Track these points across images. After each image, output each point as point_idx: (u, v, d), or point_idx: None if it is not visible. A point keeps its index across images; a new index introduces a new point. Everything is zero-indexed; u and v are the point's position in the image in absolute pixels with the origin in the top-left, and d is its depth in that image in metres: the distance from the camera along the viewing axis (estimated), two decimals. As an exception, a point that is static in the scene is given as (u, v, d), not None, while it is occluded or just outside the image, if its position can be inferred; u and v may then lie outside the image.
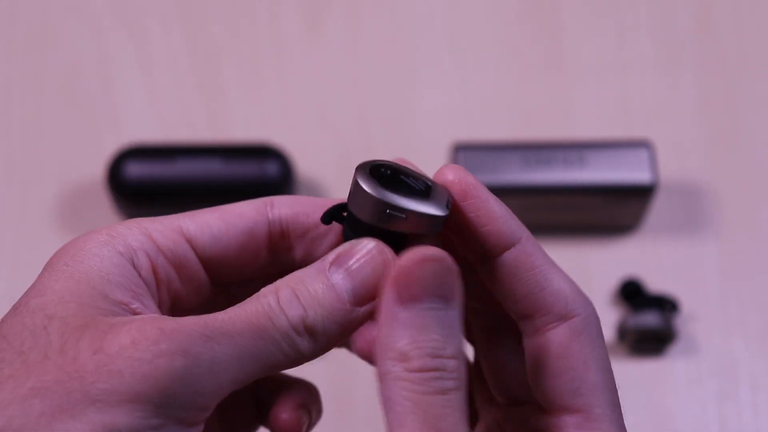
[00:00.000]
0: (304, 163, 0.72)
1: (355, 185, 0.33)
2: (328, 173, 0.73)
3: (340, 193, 0.73)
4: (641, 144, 0.67)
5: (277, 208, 0.37)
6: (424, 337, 0.31)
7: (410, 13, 0.79)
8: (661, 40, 0.77)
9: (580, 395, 0.34)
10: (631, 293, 0.67)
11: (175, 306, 0.36)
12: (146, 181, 0.68)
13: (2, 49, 0.78)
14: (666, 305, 0.66)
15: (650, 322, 0.65)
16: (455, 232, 0.35)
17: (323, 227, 0.37)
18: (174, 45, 0.78)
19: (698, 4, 0.78)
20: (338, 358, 0.66)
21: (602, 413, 0.34)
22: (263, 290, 0.32)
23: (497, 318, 0.38)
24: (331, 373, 0.66)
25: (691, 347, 0.67)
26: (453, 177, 0.35)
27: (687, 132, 0.74)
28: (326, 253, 0.35)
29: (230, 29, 0.79)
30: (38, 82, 0.77)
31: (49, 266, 0.33)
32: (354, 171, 0.34)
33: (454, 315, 0.32)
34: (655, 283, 0.68)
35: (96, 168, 0.71)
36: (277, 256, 0.37)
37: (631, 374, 0.66)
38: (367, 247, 0.33)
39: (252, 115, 0.75)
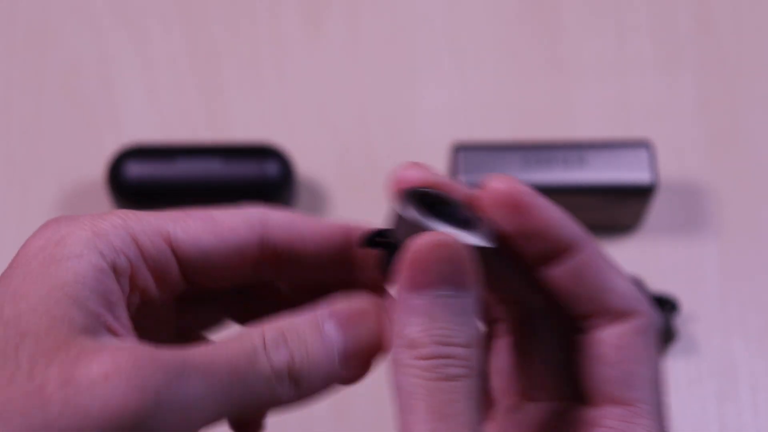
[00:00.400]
0: (304, 163, 0.72)
1: (402, 213, 0.33)
2: (328, 173, 0.73)
3: (340, 193, 0.73)
4: (641, 144, 0.67)
5: (272, 229, 0.35)
6: (434, 325, 0.31)
7: (410, 13, 0.79)
8: (661, 40, 0.77)
9: (632, 388, 0.34)
10: (631, 293, 0.67)
11: (144, 305, 0.35)
12: (146, 181, 0.68)
13: (2, 49, 0.78)
14: (666, 305, 0.66)
15: (650, 322, 0.65)
16: (511, 240, 0.35)
17: (316, 256, 0.35)
18: (174, 45, 0.78)
19: (698, 4, 0.78)
20: (338, 358, 0.66)
21: (649, 410, 0.34)
22: (249, 330, 0.31)
23: (535, 311, 0.37)
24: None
25: (691, 347, 0.67)
26: (505, 187, 0.34)
27: (687, 132, 0.74)
28: (315, 286, 0.35)
29: (230, 29, 0.79)
30: (38, 82, 0.77)
31: (25, 260, 0.31)
32: (397, 197, 0.33)
33: (467, 302, 0.32)
34: (655, 283, 0.68)
35: (96, 168, 0.71)
36: (261, 272, 0.36)
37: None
38: (364, 307, 0.33)
39: (252, 115, 0.75)
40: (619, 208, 0.68)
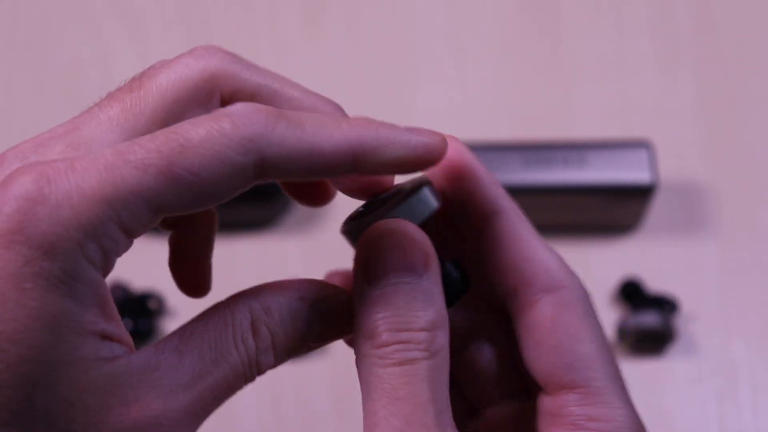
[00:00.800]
0: (304, 163, 0.72)
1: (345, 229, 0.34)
2: (328, 173, 0.73)
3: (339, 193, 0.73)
4: (641, 144, 0.67)
5: (267, 170, 0.30)
6: (389, 313, 0.31)
7: (410, 12, 0.79)
8: (661, 40, 0.77)
9: (575, 369, 0.33)
10: (631, 293, 0.67)
11: None
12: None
13: (3, 50, 0.78)
14: (665, 305, 0.66)
15: (650, 322, 0.65)
16: (450, 206, 0.35)
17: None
18: (174, 45, 0.78)
19: (698, 3, 0.78)
20: (338, 357, 0.66)
21: (601, 386, 0.33)
22: (240, 319, 0.31)
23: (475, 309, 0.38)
24: (332, 373, 0.66)
25: (691, 347, 0.67)
26: (453, 153, 0.35)
27: (687, 132, 0.74)
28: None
29: (230, 29, 0.79)
30: (39, 82, 0.77)
31: (17, 288, 0.28)
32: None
33: (425, 286, 0.32)
34: (655, 283, 0.68)
35: (96, 168, 0.71)
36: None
37: (631, 374, 0.66)
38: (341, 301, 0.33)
39: (252, 115, 0.75)
40: (619, 208, 0.68)
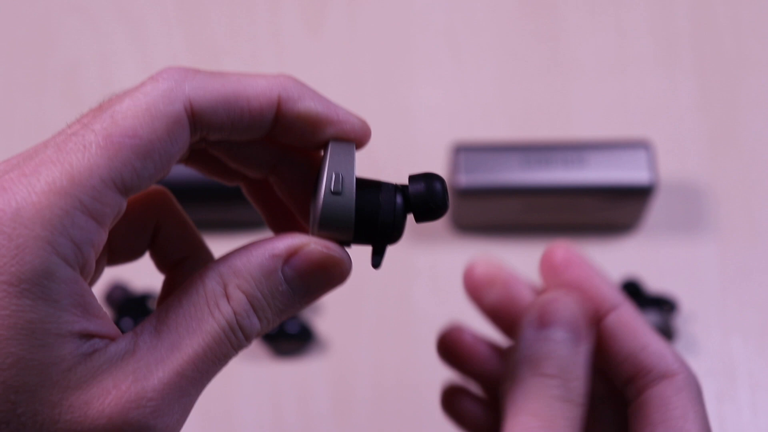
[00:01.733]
0: (304, 163, 0.72)
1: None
2: (328, 173, 0.73)
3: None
4: (640, 144, 0.67)
5: (200, 114, 0.31)
6: (557, 356, 0.37)
7: (410, 12, 0.79)
8: (661, 39, 0.77)
9: None
10: (630, 293, 0.67)
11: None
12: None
13: (3, 50, 0.78)
14: (665, 305, 0.66)
15: (649, 322, 0.65)
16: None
17: (250, 133, 0.34)
18: (174, 45, 0.78)
19: (698, 3, 0.78)
20: (338, 357, 0.67)
21: None
22: (211, 287, 0.31)
23: (599, 390, 0.41)
24: (332, 373, 0.66)
25: (691, 347, 0.67)
26: (561, 253, 0.41)
27: (687, 132, 0.74)
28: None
29: (230, 29, 0.79)
30: (39, 82, 0.77)
31: None
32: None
33: (585, 349, 0.38)
34: (654, 283, 0.68)
35: (96, 168, 0.71)
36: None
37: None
38: (319, 249, 0.33)
39: (252, 115, 0.75)
40: (618, 208, 0.68)
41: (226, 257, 0.32)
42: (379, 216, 0.33)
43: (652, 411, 0.37)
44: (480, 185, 0.66)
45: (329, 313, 0.68)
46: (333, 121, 0.34)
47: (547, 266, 0.41)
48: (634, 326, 0.39)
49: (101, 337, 0.30)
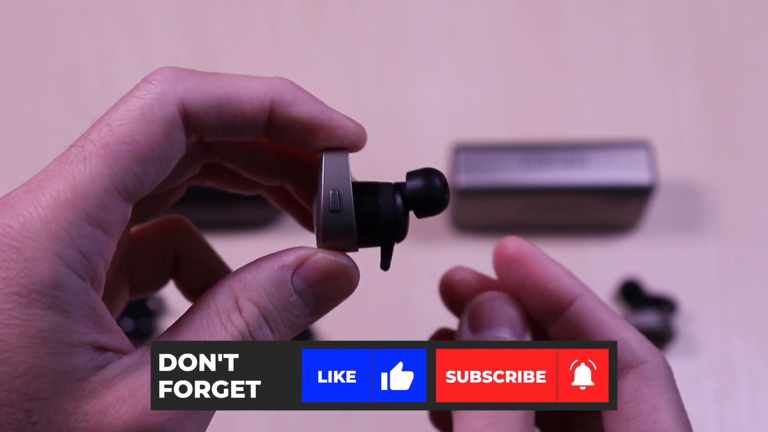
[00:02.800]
0: (304, 163, 0.72)
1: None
2: (328, 173, 0.73)
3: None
4: (640, 144, 0.67)
5: (193, 115, 0.32)
6: None
7: (410, 12, 0.79)
8: (661, 39, 0.77)
9: None
10: (631, 293, 0.67)
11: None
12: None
13: (4, 50, 0.78)
14: (665, 305, 0.66)
15: (649, 322, 0.65)
16: (524, 297, 0.38)
17: (243, 135, 0.34)
18: (174, 45, 0.78)
19: (698, 3, 0.78)
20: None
21: None
22: (223, 301, 0.31)
23: None
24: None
25: (691, 347, 0.67)
26: (512, 247, 0.38)
27: (687, 132, 0.74)
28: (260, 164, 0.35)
29: (230, 29, 0.79)
30: (39, 82, 0.77)
31: None
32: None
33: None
34: (655, 283, 0.68)
35: (96, 168, 0.71)
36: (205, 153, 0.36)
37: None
38: (329, 260, 0.33)
39: (252, 115, 0.75)
40: (618, 208, 0.68)
41: (235, 273, 0.32)
42: (381, 219, 0.33)
43: (624, 406, 0.35)
44: (480, 185, 0.66)
45: (329, 313, 0.68)
46: (326, 126, 0.34)
47: (499, 262, 0.38)
48: (596, 316, 0.36)
49: (115, 350, 0.30)
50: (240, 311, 0.31)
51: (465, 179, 0.66)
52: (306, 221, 0.39)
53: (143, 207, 0.37)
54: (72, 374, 0.28)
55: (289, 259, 0.32)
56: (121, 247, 0.37)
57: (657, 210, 0.71)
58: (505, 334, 0.36)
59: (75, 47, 0.78)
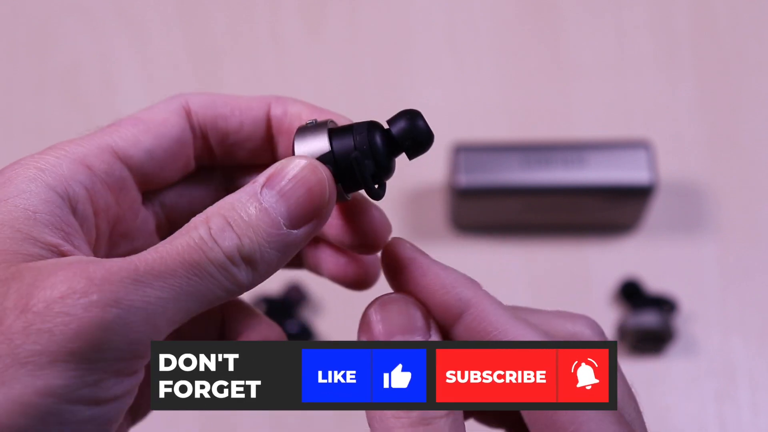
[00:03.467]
0: (304, 163, 0.72)
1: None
2: (328, 173, 0.73)
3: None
4: (640, 144, 0.67)
5: (195, 111, 0.37)
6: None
7: (410, 13, 0.79)
8: (661, 39, 0.77)
9: None
10: (631, 293, 0.67)
11: (114, 231, 0.35)
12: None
13: (4, 50, 0.78)
14: (665, 305, 0.66)
15: (649, 321, 0.65)
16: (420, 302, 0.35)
17: (243, 132, 0.37)
18: (174, 45, 0.78)
19: (698, 3, 0.78)
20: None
21: None
22: (193, 221, 0.31)
23: None
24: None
25: (691, 347, 0.67)
26: (394, 254, 0.34)
27: (686, 132, 0.74)
28: (249, 159, 0.37)
29: (230, 29, 0.79)
30: (39, 82, 0.77)
31: None
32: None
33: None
34: (655, 283, 0.68)
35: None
36: (200, 160, 0.37)
37: (631, 374, 0.66)
38: (299, 165, 0.32)
39: (252, 115, 0.75)
40: (618, 208, 0.68)
41: None
42: (355, 140, 0.33)
43: (532, 421, 0.32)
44: (480, 185, 0.66)
45: (329, 313, 0.68)
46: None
47: (385, 269, 0.35)
48: (485, 329, 0.32)
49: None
50: (207, 222, 0.30)
51: (465, 179, 0.66)
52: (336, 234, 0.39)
53: (157, 207, 0.38)
54: (23, 255, 0.29)
55: (260, 176, 0.32)
56: (148, 242, 0.37)
57: (657, 210, 0.71)
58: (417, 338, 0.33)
59: (75, 47, 0.78)
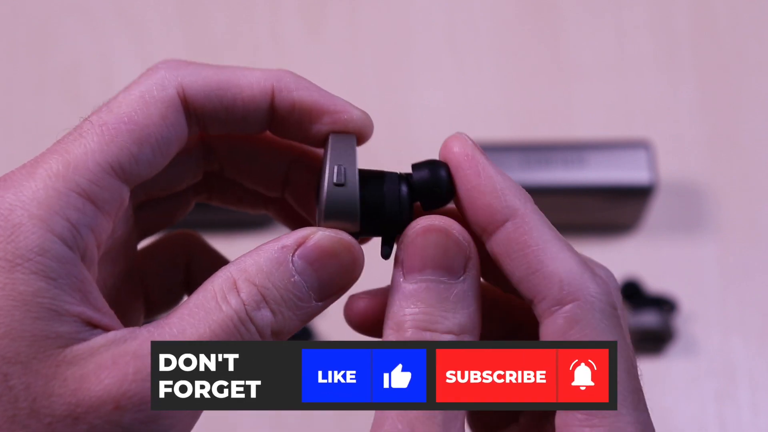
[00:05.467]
0: (304, 163, 0.72)
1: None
2: (328, 173, 0.73)
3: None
4: (640, 144, 0.67)
5: (192, 100, 0.33)
6: (418, 309, 0.31)
7: (410, 13, 0.79)
8: (661, 39, 0.77)
9: None
10: (631, 293, 0.67)
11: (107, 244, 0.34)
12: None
13: (4, 50, 0.78)
14: (665, 305, 0.66)
15: (649, 322, 0.65)
16: (460, 209, 0.34)
17: (243, 121, 0.34)
18: (174, 45, 0.78)
19: (698, 3, 0.78)
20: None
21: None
22: (219, 283, 0.30)
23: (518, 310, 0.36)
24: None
25: (690, 347, 0.67)
26: (456, 149, 0.34)
27: (686, 132, 0.74)
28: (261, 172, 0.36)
29: (230, 29, 0.79)
30: (39, 82, 0.77)
31: None
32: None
33: (459, 289, 0.31)
34: (654, 283, 0.68)
35: (96, 168, 0.71)
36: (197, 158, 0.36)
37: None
38: (333, 239, 0.32)
39: (252, 115, 0.75)
40: (618, 208, 0.68)
41: (235, 260, 0.32)
42: (385, 205, 0.33)
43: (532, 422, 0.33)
44: (480, 185, 0.66)
45: (329, 313, 0.68)
46: (329, 111, 0.34)
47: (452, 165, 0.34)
48: (525, 242, 0.32)
49: (104, 328, 0.29)
50: (238, 292, 0.30)
51: (465, 179, 0.66)
52: None
53: (149, 218, 0.37)
54: (54, 340, 0.28)
55: (289, 240, 0.31)
56: (126, 247, 0.37)
57: (657, 210, 0.71)
58: (440, 277, 0.31)
59: (75, 47, 0.78)
